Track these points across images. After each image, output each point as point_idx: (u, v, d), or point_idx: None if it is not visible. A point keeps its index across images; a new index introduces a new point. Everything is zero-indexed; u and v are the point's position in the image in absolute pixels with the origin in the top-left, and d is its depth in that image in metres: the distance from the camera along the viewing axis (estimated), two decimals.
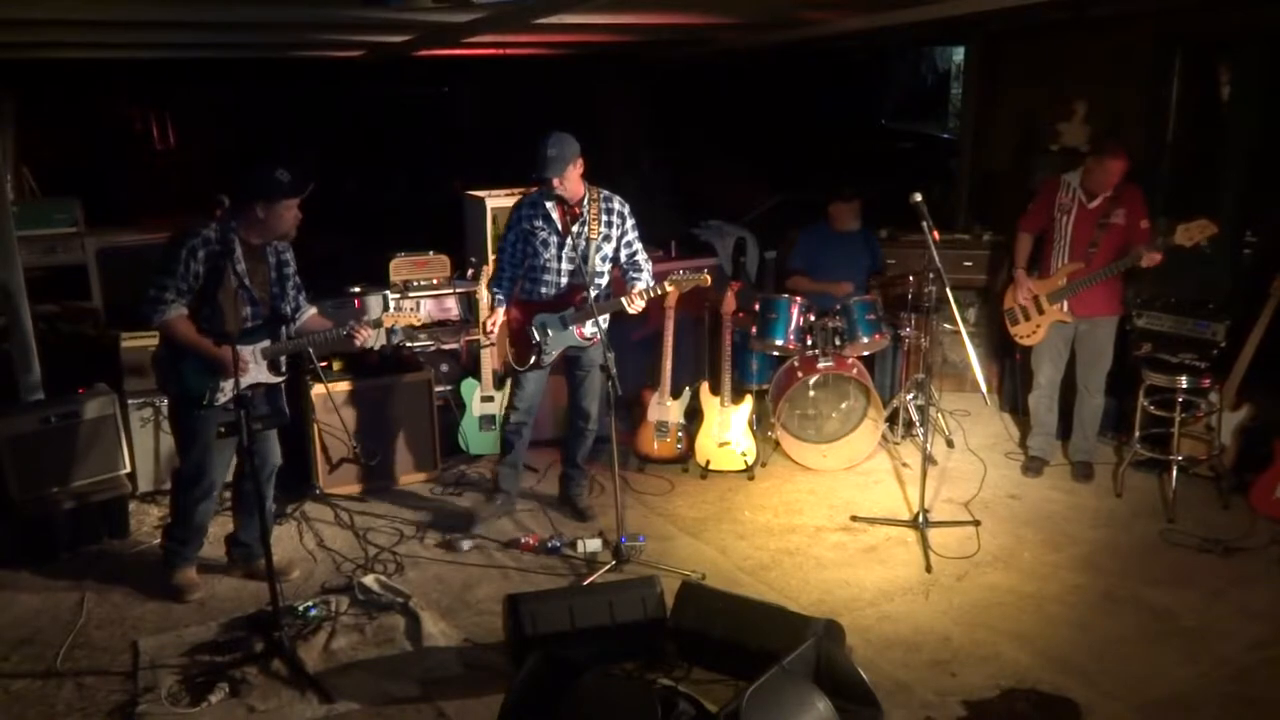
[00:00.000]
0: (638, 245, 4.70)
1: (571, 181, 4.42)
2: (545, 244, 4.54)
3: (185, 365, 3.86)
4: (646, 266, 4.71)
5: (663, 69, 8.70)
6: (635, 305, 4.54)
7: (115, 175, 7.90)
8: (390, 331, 4.06)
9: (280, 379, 4.02)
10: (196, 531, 4.17)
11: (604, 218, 4.54)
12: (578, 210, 4.51)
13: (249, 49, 6.74)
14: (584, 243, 4.53)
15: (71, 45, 5.99)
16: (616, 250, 4.65)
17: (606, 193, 4.60)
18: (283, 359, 4.02)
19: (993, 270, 6.39)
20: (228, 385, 3.86)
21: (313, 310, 4.21)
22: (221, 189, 3.66)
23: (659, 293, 4.57)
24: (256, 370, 3.93)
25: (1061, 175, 5.16)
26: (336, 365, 5.23)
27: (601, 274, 4.62)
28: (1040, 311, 5.16)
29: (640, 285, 4.57)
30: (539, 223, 4.54)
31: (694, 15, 5.78)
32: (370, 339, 4.06)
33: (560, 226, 4.54)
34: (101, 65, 7.08)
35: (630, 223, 4.65)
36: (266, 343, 3.95)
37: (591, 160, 4.49)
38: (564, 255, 4.56)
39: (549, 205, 4.52)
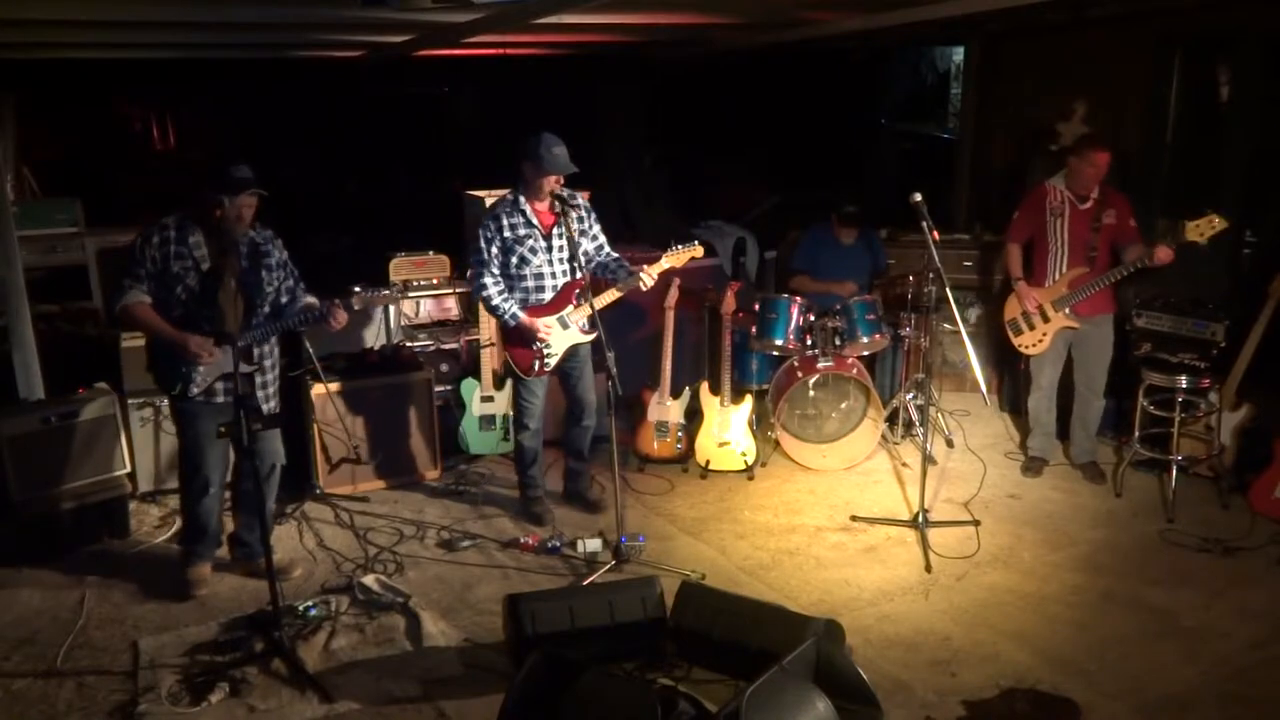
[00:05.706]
0: (603, 237, 4.72)
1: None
2: (534, 250, 4.51)
3: (158, 355, 3.91)
4: (615, 255, 4.73)
5: (663, 69, 8.70)
6: (647, 281, 4.54)
7: (115, 175, 7.91)
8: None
9: (252, 368, 3.97)
10: (203, 531, 4.17)
11: (575, 214, 4.53)
12: (553, 209, 4.50)
13: (249, 49, 6.75)
14: (565, 241, 4.52)
15: (71, 45, 6.01)
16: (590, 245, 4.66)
17: (569, 190, 4.56)
18: (254, 348, 3.96)
19: (994, 271, 6.38)
20: (198, 375, 3.87)
21: (309, 299, 4.12)
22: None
23: (665, 266, 4.59)
24: (225, 360, 3.87)
25: (1046, 182, 5.15)
26: (337, 366, 5.23)
27: (590, 267, 4.61)
28: (1045, 320, 5.15)
29: (648, 270, 4.55)
30: (523, 230, 4.48)
31: (694, 15, 5.79)
32: (345, 320, 4.04)
33: (543, 229, 4.52)
34: (101, 65, 7.08)
35: (594, 215, 4.68)
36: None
37: (591, 160, 4.48)
38: (554, 257, 4.55)
39: (531, 209, 4.49)
